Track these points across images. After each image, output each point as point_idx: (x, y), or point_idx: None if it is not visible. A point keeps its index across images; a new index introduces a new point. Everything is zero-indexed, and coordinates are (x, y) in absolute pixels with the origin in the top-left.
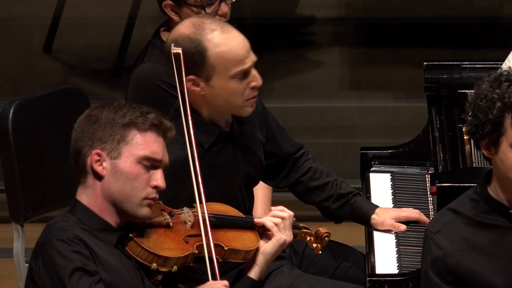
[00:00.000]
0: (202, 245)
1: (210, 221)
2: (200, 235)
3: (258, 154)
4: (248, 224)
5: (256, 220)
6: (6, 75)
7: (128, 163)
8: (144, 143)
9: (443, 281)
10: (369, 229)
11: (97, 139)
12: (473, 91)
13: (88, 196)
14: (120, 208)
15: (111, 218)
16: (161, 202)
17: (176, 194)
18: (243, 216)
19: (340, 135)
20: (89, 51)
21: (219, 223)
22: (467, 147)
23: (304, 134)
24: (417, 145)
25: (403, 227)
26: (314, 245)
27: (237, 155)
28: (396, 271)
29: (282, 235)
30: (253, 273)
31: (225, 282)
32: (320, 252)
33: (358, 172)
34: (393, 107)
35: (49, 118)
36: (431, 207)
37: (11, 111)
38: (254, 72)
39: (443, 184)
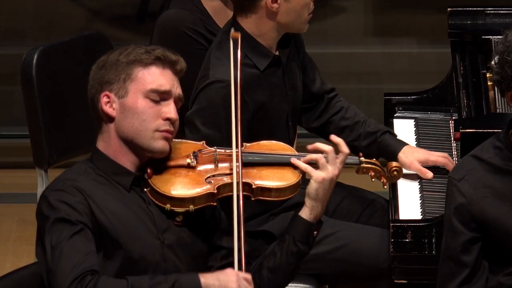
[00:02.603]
0: (224, 185)
1: (241, 159)
2: (226, 174)
3: (299, 82)
4: (285, 162)
5: (292, 160)
6: (30, 21)
7: (135, 99)
8: (149, 77)
9: (466, 228)
10: None
11: (104, 82)
12: (497, 37)
13: (104, 141)
14: (135, 145)
15: (127, 160)
16: (204, 143)
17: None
18: (287, 154)
19: (364, 81)
20: None
21: (253, 160)
22: (491, 93)
23: (328, 80)
24: (441, 91)
25: (430, 174)
26: (380, 180)
27: (286, 80)
28: (419, 217)
29: (320, 174)
30: (304, 213)
31: (247, 276)
32: (385, 187)
33: (382, 118)
34: (417, 52)
35: (73, 64)
36: (454, 153)
37: (35, 57)
38: None
39: (467, 130)
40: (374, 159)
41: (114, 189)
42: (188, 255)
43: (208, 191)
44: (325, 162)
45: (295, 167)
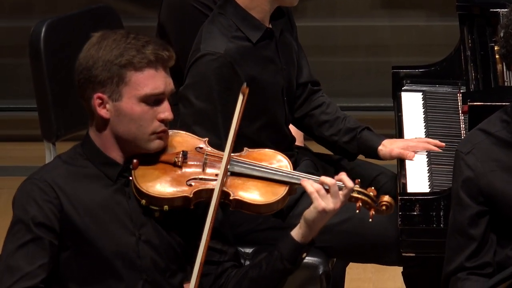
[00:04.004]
0: (202, 190)
1: (230, 168)
2: (210, 179)
3: (295, 58)
4: (280, 180)
5: (302, 182)
6: None
7: (130, 104)
8: (143, 81)
9: (474, 202)
10: None
11: (97, 82)
12: (505, 10)
13: (95, 132)
14: (130, 144)
15: (117, 153)
16: (206, 141)
17: (230, 85)
18: (285, 171)
19: (372, 54)
20: None
21: (242, 171)
22: (499, 66)
23: (336, 53)
24: (449, 64)
25: (411, 154)
26: (369, 211)
27: (280, 54)
28: (427, 190)
29: (321, 203)
30: (295, 234)
31: None
32: (370, 220)
33: (390, 91)
34: (425, 26)
35: (80, 37)
36: (462, 126)
37: (43, 30)
38: None
39: (475, 103)
40: (371, 188)
41: (96, 181)
42: (169, 248)
43: (184, 195)
44: (325, 193)
45: (285, 184)
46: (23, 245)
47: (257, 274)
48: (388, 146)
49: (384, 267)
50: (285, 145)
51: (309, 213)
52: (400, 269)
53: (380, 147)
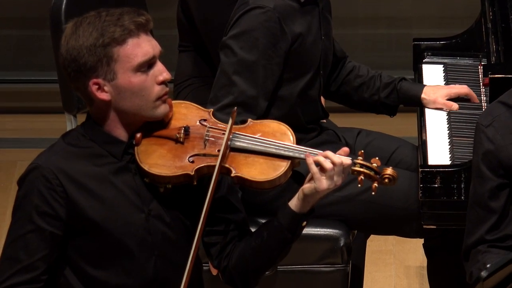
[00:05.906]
0: (204, 167)
1: (231, 143)
2: (211, 155)
3: (331, 36)
4: (282, 155)
5: (307, 159)
6: None
7: (127, 79)
8: (131, 52)
9: (494, 174)
10: (421, 119)
11: (87, 69)
12: None
13: (96, 113)
14: (137, 117)
15: (122, 130)
16: (211, 112)
17: (276, 41)
18: (287, 145)
19: (393, 26)
20: None
21: (243, 146)
22: None
23: (357, 24)
24: (470, 36)
25: (455, 106)
26: (372, 184)
27: (321, 24)
28: (448, 162)
29: (323, 183)
30: (293, 205)
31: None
32: (373, 193)
33: (411, 63)
34: None
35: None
36: (483, 98)
37: (64, 2)
38: None
39: (496, 75)
40: (375, 159)
41: (101, 160)
42: (178, 221)
43: (185, 173)
44: (333, 174)
45: (287, 159)
46: (24, 235)
47: (259, 244)
48: (431, 94)
49: (405, 239)
50: (314, 117)
51: (309, 189)
52: (421, 241)
53: (423, 96)
